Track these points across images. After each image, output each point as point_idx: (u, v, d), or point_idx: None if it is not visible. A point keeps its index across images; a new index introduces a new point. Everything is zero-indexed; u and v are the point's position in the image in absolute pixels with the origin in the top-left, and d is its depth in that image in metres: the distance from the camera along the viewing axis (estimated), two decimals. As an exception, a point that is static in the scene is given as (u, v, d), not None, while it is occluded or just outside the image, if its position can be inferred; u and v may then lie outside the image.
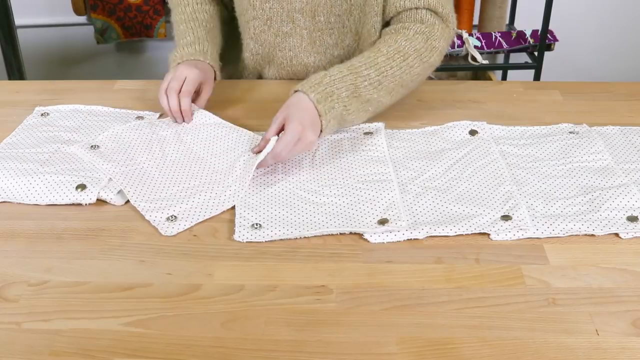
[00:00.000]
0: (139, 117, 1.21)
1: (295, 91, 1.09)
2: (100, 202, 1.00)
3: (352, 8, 1.22)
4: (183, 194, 1.00)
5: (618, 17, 2.61)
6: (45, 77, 2.63)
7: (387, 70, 1.12)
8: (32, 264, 0.88)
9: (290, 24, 1.25)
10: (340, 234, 0.93)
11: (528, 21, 2.42)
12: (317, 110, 1.06)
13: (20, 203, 1.00)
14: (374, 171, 1.04)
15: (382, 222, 0.93)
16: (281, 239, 0.92)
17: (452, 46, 2.19)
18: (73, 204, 0.99)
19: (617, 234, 0.92)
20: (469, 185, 1.01)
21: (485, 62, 2.22)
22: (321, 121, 1.06)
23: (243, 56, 1.35)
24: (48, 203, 0.99)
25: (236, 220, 0.95)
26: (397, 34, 1.17)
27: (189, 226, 0.94)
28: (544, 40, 2.20)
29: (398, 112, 1.22)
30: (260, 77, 1.38)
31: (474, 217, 0.94)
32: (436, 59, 1.19)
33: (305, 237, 0.92)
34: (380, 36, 1.22)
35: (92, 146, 1.10)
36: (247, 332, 0.78)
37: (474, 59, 2.20)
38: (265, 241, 0.92)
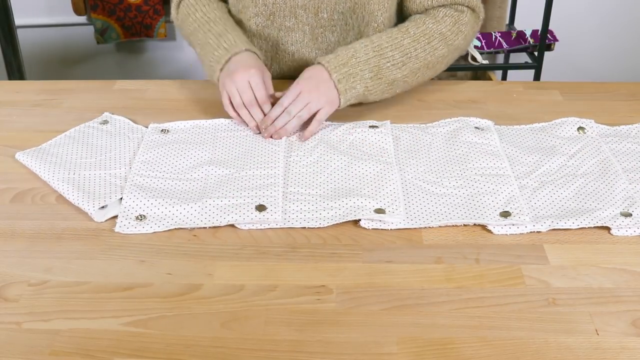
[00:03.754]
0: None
1: (319, 63, 1.16)
2: (100, 202, 1.00)
3: (355, 7, 1.23)
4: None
5: (618, 17, 2.62)
6: (45, 77, 2.64)
7: (411, 52, 1.18)
8: (32, 264, 0.88)
9: (293, 19, 1.26)
10: (340, 231, 0.93)
11: (528, 21, 2.42)
12: (337, 89, 1.13)
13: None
14: (491, 165, 1.05)
15: (504, 214, 0.95)
16: (398, 228, 0.94)
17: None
18: (73, 204, 0.99)
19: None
20: (585, 181, 1.02)
21: (485, 62, 2.22)
22: (340, 98, 1.14)
23: None
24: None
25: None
26: (426, 16, 1.23)
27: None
28: (544, 40, 2.21)
29: (398, 112, 1.22)
30: None
31: (595, 211, 0.95)
32: (461, 43, 1.25)
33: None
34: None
35: (162, 130, 1.16)
36: (247, 332, 0.78)
37: (474, 59, 2.20)
38: (391, 229, 0.94)
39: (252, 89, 1.12)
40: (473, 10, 1.25)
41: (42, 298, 0.83)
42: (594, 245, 0.91)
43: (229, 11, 1.32)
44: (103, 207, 0.98)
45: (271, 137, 1.12)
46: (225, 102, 1.14)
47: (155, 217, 0.95)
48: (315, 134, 1.13)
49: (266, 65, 1.36)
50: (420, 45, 1.19)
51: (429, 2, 1.23)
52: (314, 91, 1.12)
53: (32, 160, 1.07)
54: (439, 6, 1.23)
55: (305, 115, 1.12)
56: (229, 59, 1.15)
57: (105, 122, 1.18)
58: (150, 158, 1.08)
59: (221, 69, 1.15)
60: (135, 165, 1.06)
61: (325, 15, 1.25)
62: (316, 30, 1.27)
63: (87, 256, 0.90)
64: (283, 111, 1.12)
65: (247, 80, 1.12)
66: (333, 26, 1.26)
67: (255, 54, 1.18)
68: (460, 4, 1.23)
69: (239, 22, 1.31)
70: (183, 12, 1.30)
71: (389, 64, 1.17)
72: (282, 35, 1.29)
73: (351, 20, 1.25)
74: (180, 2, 1.32)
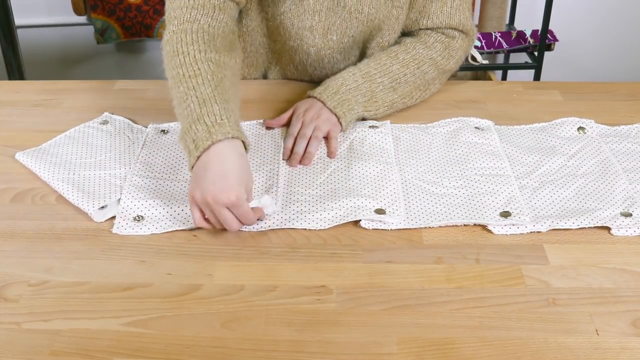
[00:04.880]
0: None
1: (309, 96, 1.16)
2: (100, 202, 1.00)
3: (366, 30, 1.21)
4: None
5: (618, 17, 2.62)
6: (45, 77, 2.63)
7: (400, 78, 1.19)
8: (32, 264, 0.88)
9: (297, 41, 1.23)
10: (340, 231, 0.93)
11: (528, 21, 2.42)
12: (335, 114, 1.12)
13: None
14: (491, 165, 1.06)
15: (505, 214, 0.95)
16: (398, 228, 0.94)
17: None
18: (73, 204, 0.99)
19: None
20: (585, 181, 1.02)
21: (485, 62, 2.22)
22: (340, 123, 1.12)
23: (252, 50, 1.31)
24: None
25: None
26: (417, 41, 1.22)
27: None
28: (544, 40, 2.21)
29: (398, 112, 1.22)
30: (264, 76, 1.37)
31: (595, 211, 0.95)
32: (453, 66, 1.25)
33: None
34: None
35: (162, 130, 1.15)
36: (247, 332, 0.78)
37: (474, 59, 2.20)
38: (391, 230, 0.94)
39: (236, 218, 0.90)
40: (466, 33, 1.23)
41: (42, 298, 0.83)
42: (594, 245, 0.91)
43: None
44: (103, 207, 0.98)
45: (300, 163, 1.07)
46: (198, 220, 0.91)
47: (153, 218, 0.95)
48: (337, 149, 1.10)
49: (266, 67, 1.35)
50: (410, 71, 1.19)
51: (424, 23, 1.21)
52: (316, 118, 1.12)
53: (32, 160, 1.07)
54: (432, 29, 1.22)
55: (321, 135, 1.10)
56: (209, 147, 0.91)
57: (105, 122, 1.18)
58: (149, 159, 1.08)
59: (198, 157, 0.91)
60: (134, 166, 1.05)
61: (334, 38, 1.22)
62: (322, 51, 1.23)
63: (87, 256, 0.90)
64: (295, 139, 1.10)
65: (229, 210, 0.89)
66: (342, 48, 1.24)
67: (242, 141, 0.94)
68: (453, 28, 1.22)
69: (254, 27, 1.26)
70: (171, 46, 1.04)
71: (380, 87, 1.17)
72: (286, 50, 1.27)
73: (359, 38, 1.23)
74: (171, 29, 1.06)
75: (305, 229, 0.94)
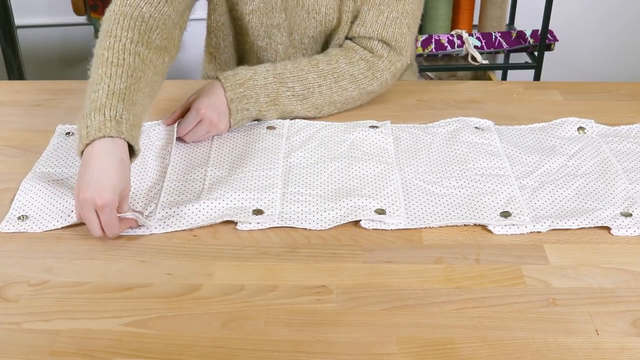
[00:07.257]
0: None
1: (217, 78, 1.13)
2: (100, 202, 1.00)
3: (326, 30, 1.22)
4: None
5: (618, 17, 2.62)
6: (45, 77, 2.63)
7: (314, 88, 1.15)
8: (32, 264, 0.88)
9: (266, 39, 1.24)
10: (340, 231, 0.93)
11: (528, 21, 2.42)
12: (229, 108, 1.11)
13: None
14: (491, 165, 1.06)
15: (505, 214, 0.95)
16: (398, 228, 0.94)
17: (452, 46, 2.20)
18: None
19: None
20: (585, 181, 1.02)
21: (485, 62, 2.22)
22: (230, 119, 1.11)
23: (224, 45, 1.34)
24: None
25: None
26: (342, 55, 1.18)
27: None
28: (544, 40, 2.21)
29: (398, 112, 1.22)
30: None
31: (595, 211, 0.95)
32: (376, 88, 1.21)
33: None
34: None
35: None
36: (247, 332, 0.78)
37: (474, 59, 2.20)
38: (391, 230, 0.93)
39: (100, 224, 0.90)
40: (397, 52, 1.19)
41: (42, 298, 0.83)
42: (594, 245, 0.91)
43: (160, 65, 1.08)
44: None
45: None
46: (78, 216, 0.92)
47: (153, 218, 0.95)
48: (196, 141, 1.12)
49: (237, 66, 1.32)
50: (327, 83, 1.16)
51: (357, 30, 1.19)
52: (215, 118, 1.10)
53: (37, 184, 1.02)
54: (365, 38, 1.18)
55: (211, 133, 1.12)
56: (99, 139, 0.91)
57: (69, 133, 1.16)
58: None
59: (87, 144, 0.92)
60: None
61: (296, 37, 1.23)
62: (289, 50, 1.25)
63: (87, 256, 0.90)
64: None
65: (95, 217, 0.89)
66: (304, 49, 1.25)
67: (132, 146, 0.95)
68: (384, 42, 1.18)
69: (225, 26, 1.28)
70: (108, 25, 1.04)
71: (288, 94, 1.14)
72: (255, 50, 1.28)
73: (320, 39, 1.24)
74: (113, 9, 1.07)
75: (305, 229, 0.94)
